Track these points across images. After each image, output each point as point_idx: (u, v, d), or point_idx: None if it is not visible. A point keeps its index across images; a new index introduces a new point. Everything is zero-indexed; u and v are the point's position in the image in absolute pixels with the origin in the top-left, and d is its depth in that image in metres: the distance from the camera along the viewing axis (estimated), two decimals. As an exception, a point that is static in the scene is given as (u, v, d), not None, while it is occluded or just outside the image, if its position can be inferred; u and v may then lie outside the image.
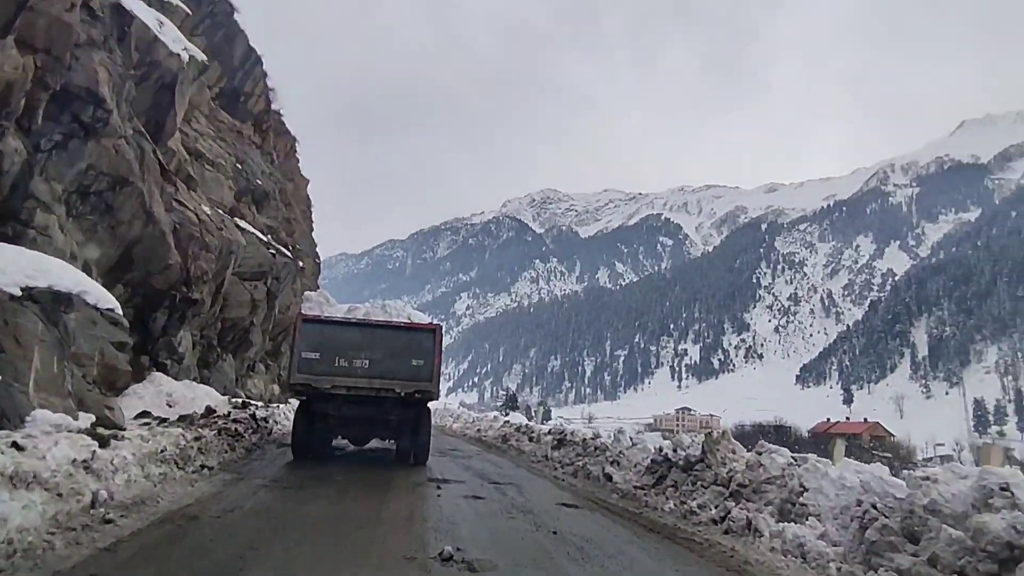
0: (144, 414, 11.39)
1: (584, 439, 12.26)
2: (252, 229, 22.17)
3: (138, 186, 13.03)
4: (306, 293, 32.38)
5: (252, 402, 16.75)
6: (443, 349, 11.27)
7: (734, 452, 7.94)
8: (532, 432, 15.99)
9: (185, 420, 10.83)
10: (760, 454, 7.29)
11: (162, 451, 7.36)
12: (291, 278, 27.03)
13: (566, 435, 13.39)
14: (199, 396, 14.27)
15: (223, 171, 21.60)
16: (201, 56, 18.69)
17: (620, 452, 10.46)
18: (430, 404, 11.53)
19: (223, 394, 17.40)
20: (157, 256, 14.47)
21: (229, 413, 12.89)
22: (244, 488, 7.38)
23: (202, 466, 8.10)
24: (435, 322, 11.72)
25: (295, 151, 37.57)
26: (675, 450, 8.73)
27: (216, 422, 10.93)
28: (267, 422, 14.23)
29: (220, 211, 19.91)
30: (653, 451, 9.61)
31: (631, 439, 11.04)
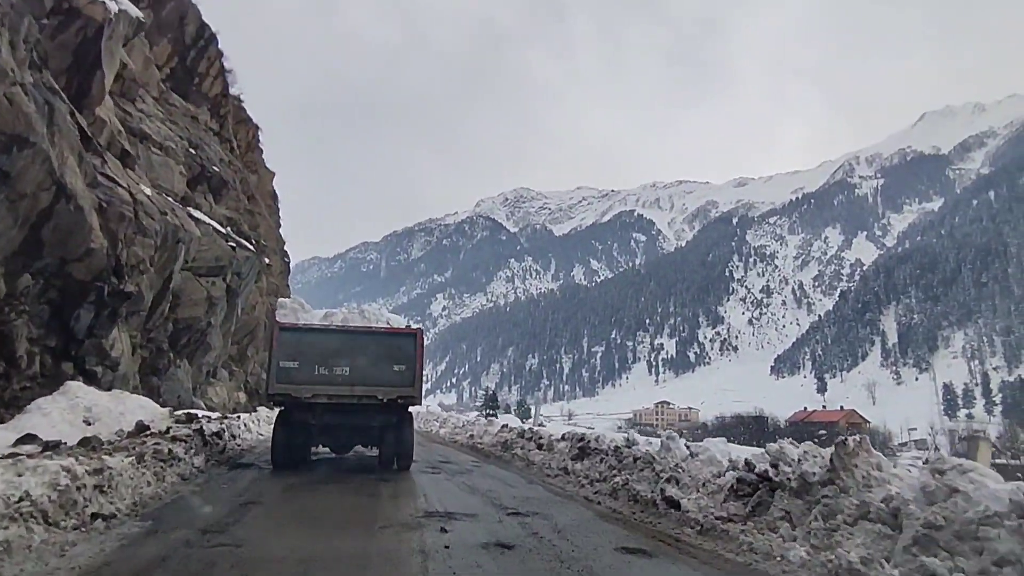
0: (27, 439, 8.14)
1: (616, 447, 9.67)
2: (208, 220, 20.04)
3: (43, 148, 10.38)
4: (280, 300, 31.21)
5: (207, 414, 14.75)
6: (424, 353, 11.04)
7: (879, 468, 5.39)
8: (541, 439, 13.49)
9: (88, 445, 8.04)
10: (941, 473, 4.66)
11: (20, 500, 4.82)
12: (254, 274, 24.86)
13: (588, 442, 10.75)
14: (130, 410, 11.62)
15: (173, 156, 19.47)
16: (136, 12, 16.52)
17: (677, 466, 7.80)
18: (412, 408, 11.21)
19: (176, 406, 15.52)
20: (74, 238, 11.60)
21: (168, 429, 10.42)
22: (149, 552, 4.75)
23: (96, 515, 5.50)
24: (417, 327, 11.82)
25: (258, 141, 35.78)
26: (776, 465, 6.15)
27: (145, 443, 8.64)
28: (219, 438, 11.81)
29: (170, 198, 17.60)
30: (728, 464, 7.26)
31: (687, 447, 8.56)
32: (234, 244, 21.36)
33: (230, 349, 25.73)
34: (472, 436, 19.46)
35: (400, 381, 10.39)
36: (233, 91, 30.06)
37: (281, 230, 41.35)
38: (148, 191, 15.76)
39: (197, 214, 19.32)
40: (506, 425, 18.59)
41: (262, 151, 36.89)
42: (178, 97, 23.51)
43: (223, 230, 21.21)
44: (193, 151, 21.59)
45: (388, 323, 12.12)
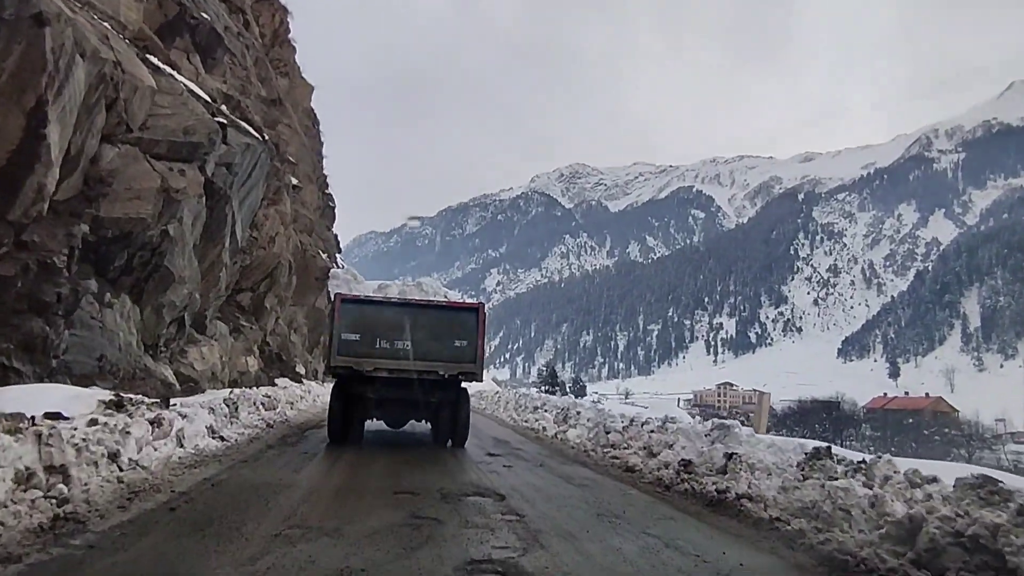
0: None
1: None
2: (183, 79, 13.66)
3: None
4: (332, 271, 30.28)
5: (154, 401, 8.51)
6: (486, 329, 10.83)
7: None
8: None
9: None
10: None
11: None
12: (264, 178, 17.55)
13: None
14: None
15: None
16: None
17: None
18: (471, 385, 10.97)
19: (97, 374, 10.18)
20: None
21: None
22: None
23: None
24: (479, 301, 11.62)
25: (286, 28, 27.87)
26: None
27: None
28: (117, 457, 5.89)
29: (107, 24, 11.52)
30: None
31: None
32: (224, 121, 14.28)
33: (240, 296, 19.80)
34: (587, 441, 11.65)
35: (461, 357, 10.26)
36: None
37: (325, 165, 35.58)
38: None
39: (157, 61, 13.03)
40: (671, 419, 10.40)
41: (295, 49, 29.41)
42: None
43: (202, 94, 14.14)
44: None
45: (445, 297, 12.14)
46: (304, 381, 23.56)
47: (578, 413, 13.82)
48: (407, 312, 10.55)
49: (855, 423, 64.83)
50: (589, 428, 12.13)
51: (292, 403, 16.27)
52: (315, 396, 21.16)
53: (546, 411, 15.76)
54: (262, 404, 12.89)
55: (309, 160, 30.17)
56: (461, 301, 11.51)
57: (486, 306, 10.91)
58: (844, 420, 62.53)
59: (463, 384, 10.77)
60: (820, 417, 60.36)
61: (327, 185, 36.69)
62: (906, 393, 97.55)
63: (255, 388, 14.89)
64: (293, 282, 24.91)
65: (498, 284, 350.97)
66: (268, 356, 21.93)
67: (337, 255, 46.51)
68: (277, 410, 13.62)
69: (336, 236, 52.19)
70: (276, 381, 18.25)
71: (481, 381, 11.14)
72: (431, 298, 11.71)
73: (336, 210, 39.87)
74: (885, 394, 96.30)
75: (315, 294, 29.00)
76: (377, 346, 10.03)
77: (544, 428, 14.22)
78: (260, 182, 17.49)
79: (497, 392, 27.07)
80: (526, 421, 16.17)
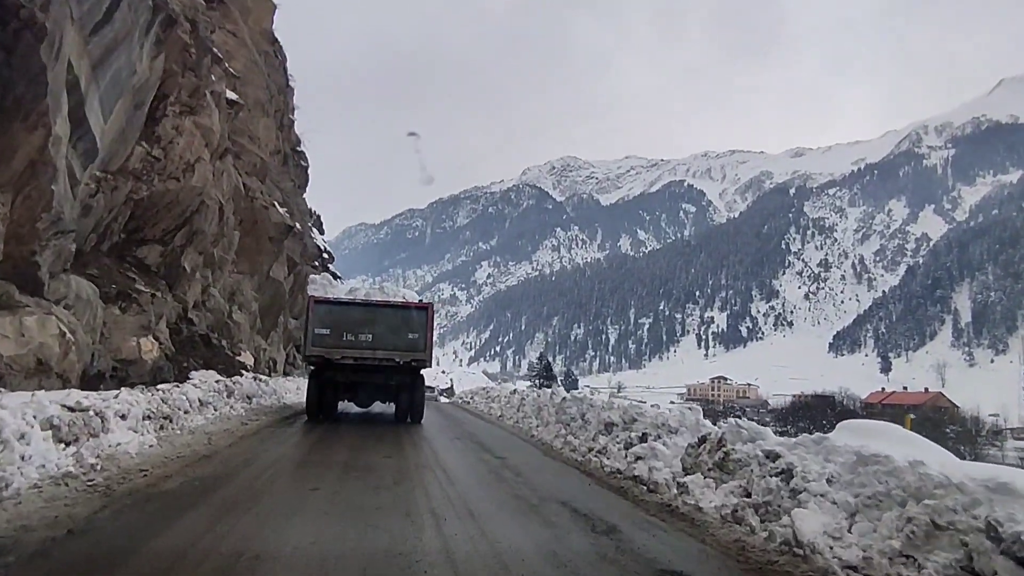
0: None
1: None
2: None
3: None
4: (311, 276, 29.07)
5: None
6: (435, 324, 13.04)
7: None
8: None
9: None
10: None
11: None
12: (146, 34, 11.22)
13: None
14: None
15: None
16: None
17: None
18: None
19: None
20: None
21: None
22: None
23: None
24: (428, 300, 14.33)
25: None
26: None
27: None
28: None
29: None
30: None
31: None
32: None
33: (142, 250, 13.94)
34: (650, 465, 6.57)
35: (413, 347, 12.18)
36: None
37: (296, 118, 29.82)
38: None
39: None
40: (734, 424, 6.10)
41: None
42: None
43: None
44: None
45: (404, 298, 14.15)
46: (248, 373, 16.06)
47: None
48: (368, 311, 12.54)
49: (856, 418, 63.82)
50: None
51: (213, 407, 10.94)
52: (279, 396, 16.67)
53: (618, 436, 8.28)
54: (149, 416, 7.97)
55: (263, 87, 23.17)
56: (414, 301, 13.81)
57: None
58: (847, 414, 61.44)
59: (420, 370, 12.78)
60: (823, 412, 59.32)
61: (299, 142, 31.23)
62: (904, 388, 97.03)
63: (140, 388, 9.06)
64: (235, 239, 19.08)
65: (489, 277, 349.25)
66: (186, 339, 15.06)
67: (319, 234, 42.62)
68: (175, 424, 8.72)
69: (318, 215, 46.22)
70: (192, 375, 12.27)
71: (430, 367, 12.92)
72: (390, 299, 13.67)
73: (311, 180, 34.29)
74: (883, 389, 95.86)
75: (269, 259, 22.52)
76: (344, 338, 11.95)
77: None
78: (138, 40, 10.81)
79: (515, 392, 18.05)
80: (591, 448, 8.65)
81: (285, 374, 24.07)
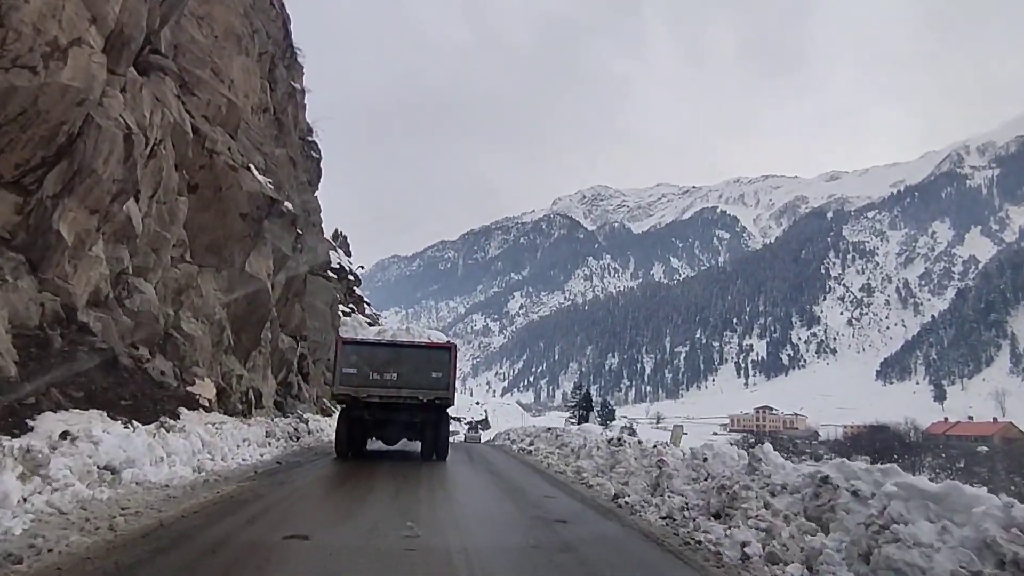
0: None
1: None
2: None
3: None
4: (343, 319, 29.65)
5: None
6: (457, 364, 13.23)
7: None
8: None
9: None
10: None
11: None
12: None
13: None
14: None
15: None
16: None
17: None
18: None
19: None
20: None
21: None
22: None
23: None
24: (451, 341, 14.22)
25: None
26: None
27: None
28: None
29: None
30: None
31: None
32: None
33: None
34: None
35: (437, 385, 12.42)
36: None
37: (308, 104, 26.01)
38: None
39: None
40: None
41: None
42: None
43: None
44: None
45: (429, 338, 14.32)
46: (202, 412, 11.48)
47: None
48: (393, 351, 12.89)
49: (925, 450, 59.44)
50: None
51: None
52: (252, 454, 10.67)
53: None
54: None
55: (239, 13, 16.96)
56: (437, 341, 14.08)
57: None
58: (918, 447, 57.37)
59: (446, 408, 13.05)
60: (889, 444, 55.10)
61: (310, 130, 27.51)
62: (970, 418, 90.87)
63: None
64: (179, 207, 13.05)
65: (521, 307, 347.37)
66: (58, 355, 8.75)
67: (344, 255, 39.40)
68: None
69: (344, 236, 42.96)
70: (38, 419, 6.73)
71: (453, 405, 13.25)
72: (414, 339, 13.92)
73: (321, 173, 29.37)
74: (946, 419, 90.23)
75: (243, 247, 15.60)
76: (370, 377, 12.23)
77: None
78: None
79: (576, 435, 14.82)
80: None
81: (280, 411, 18.48)
